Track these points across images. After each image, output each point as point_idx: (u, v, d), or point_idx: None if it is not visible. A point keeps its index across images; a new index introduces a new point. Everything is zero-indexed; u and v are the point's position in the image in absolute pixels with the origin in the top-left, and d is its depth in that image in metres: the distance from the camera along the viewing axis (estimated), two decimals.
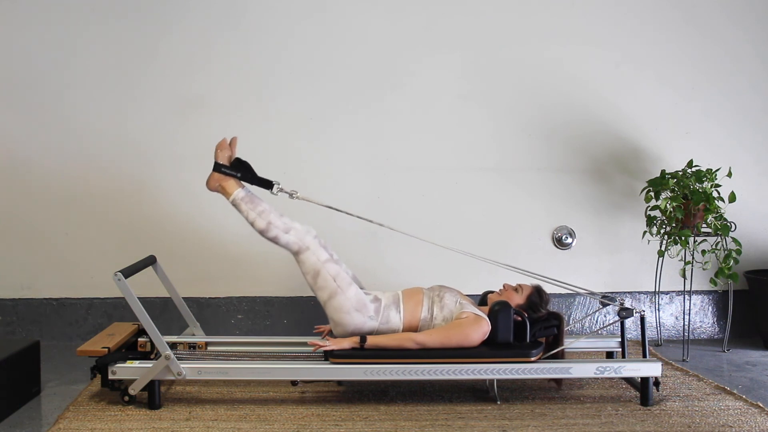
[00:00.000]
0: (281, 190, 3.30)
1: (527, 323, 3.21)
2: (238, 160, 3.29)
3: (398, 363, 3.10)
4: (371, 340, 3.13)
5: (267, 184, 3.29)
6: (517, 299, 3.31)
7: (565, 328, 3.36)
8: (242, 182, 3.29)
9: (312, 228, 3.27)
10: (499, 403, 3.22)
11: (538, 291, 3.34)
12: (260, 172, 3.33)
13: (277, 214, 3.23)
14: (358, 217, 3.41)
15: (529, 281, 3.40)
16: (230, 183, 3.26)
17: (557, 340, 3.27)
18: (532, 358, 3.13)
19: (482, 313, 3.19)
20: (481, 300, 3.46)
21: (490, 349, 3.16)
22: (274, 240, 3.23)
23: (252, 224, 3.23)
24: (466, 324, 3.14)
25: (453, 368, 3.10)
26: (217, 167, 3.27)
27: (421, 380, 3.40)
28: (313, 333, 3.59)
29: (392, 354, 3.12)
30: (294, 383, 3.36)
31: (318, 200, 3.36)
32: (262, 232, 3.23)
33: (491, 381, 3.29)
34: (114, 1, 4.28)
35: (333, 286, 3.19)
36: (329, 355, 3.14)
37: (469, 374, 3.11)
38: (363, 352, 3.12)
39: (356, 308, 3.18)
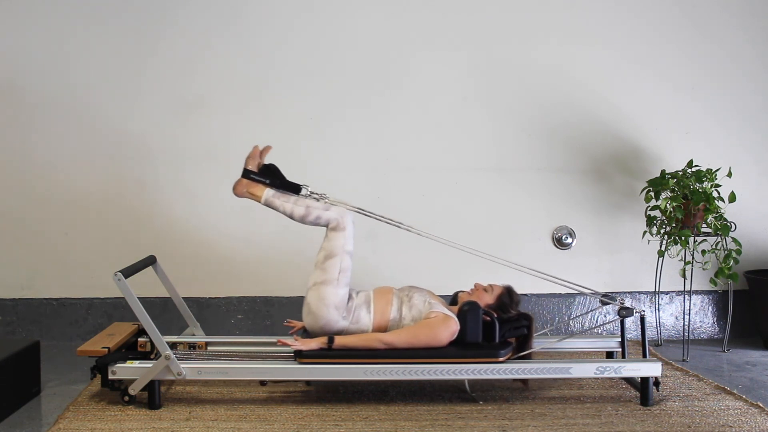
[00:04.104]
0: (310, 193, 3.30)
1: (496, 323, 3.20)
2: (266, 166, 3.32)
3: (366, 363, 3.10)
4: (339, 341, 3.12)
5: (295, 188, 3.31)
6: (487, 299, 3.30)
7: (565, 329, 3.36)
8: (271, 187, 3.30)
9: (351, 214, 3.26)
10: (481, 403, 3.22)
11: (508, 291, 3.34)
12: None
13: (313, 199, 3.26)
14: (388, 221, 3.38)
15: (501, 282, 3.38)
16: (258, 187, 3.29)
17: (527, 340, 3.26)
18: (501, 359, 3.12)
19: (451, 313, 3.19)
20: (452, 300, 3.45)
21: (459, 349, 3.16)
22: (316, 220, 3.22)
23: (291, 214, 3.23)
24: (434, 324, 3.13)
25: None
26: (246, 173, 3.29)
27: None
28: (283, 326, 3.58)
29: (360, 354, 3.12)
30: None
31: (348, 203, 3.33)
32: (303, 218, 3.22)
33: (467, 382, 3.28)
34: (114, 1, 4.28)
35: (333, 276, 3.18)
36: (297, 355, 3.13)
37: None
38: (331, 352, 3.12)
39: (336, 306, 3.18)
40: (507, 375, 3.14)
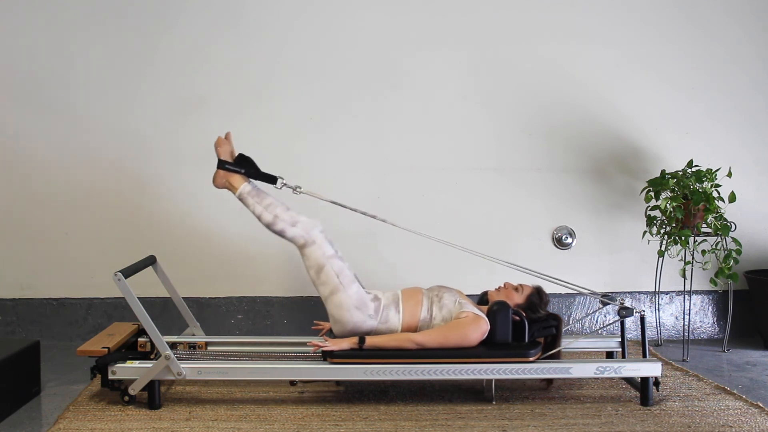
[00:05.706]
0: (285, 184, 3.31)
1: (526, 323, 3.21)
2: (241, 156, 3.31)
3: (397, 363, 3.10)
4: (370, 341, 3.12)
5: (271, 179, 3.31)
6: (516, 299, 3.31)
7: (564, 329, 3.37)
8: (248, 177, 3.30)
9: (319, 222, 3.26)
10: (494, 403, 3.22)
11: (538, 291, 3.34)
12: None
13: (284, 208, 3.23)
14: (362, 212, 3.40)
15: (531, 281, 3.39)
16: (236, 178, 3.28)
17: (555, 340, 3.27)
18: (531, 358, 3.13)
19: (481, 313, 3.19)
20: (480, 299, 3.46)
21: (489, 349, 3.15)
22: (280, 233, 3.21)
23: (259, 218, 3.23)
24: (464, 324, 3.13)
25: (451, 368, 3.09)
26: (221, 164, 3.29)
27: (420, 380, 3.41)
28: (311, 329, 3.59)
29: (391, 354, 3.12)
30: (293, 383, 3.36)
31: (321, 195, 3.35)
32: (268, 225, 3.22)
33: (489, 381, 3.28)
34: (114, 1, 4.29)
35: (335, 282, 3.18)
36: (328, 356, 3.13)
37: (467, 374, 3.10)
38: (362, 352, 3.12)
39: (356, 306, 3.18)
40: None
